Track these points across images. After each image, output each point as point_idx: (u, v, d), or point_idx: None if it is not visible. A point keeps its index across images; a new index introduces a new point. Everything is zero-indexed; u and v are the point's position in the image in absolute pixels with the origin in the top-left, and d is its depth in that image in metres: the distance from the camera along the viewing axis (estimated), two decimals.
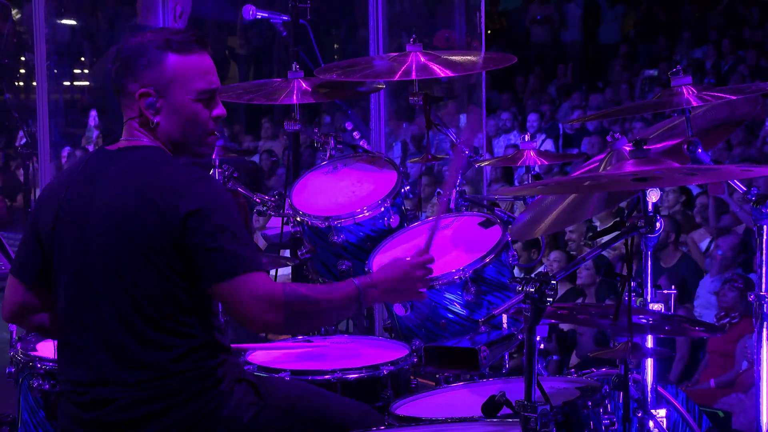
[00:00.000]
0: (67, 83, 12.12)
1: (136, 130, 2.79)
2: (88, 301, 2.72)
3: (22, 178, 7.68)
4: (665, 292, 3.26)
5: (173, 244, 2.64)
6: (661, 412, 3.29)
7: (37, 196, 6.51)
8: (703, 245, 7.75)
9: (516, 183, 10.01)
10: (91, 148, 11.37)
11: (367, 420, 2.96)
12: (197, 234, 2.62)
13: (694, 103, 3.09)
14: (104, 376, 2.71)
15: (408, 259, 2.97)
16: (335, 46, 12.89)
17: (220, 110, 2.83)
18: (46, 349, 3.53)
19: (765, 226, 3.10)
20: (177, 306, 2.69)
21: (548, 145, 11.62)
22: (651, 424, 3.26)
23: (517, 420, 2.44)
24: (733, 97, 3.12)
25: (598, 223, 8.17)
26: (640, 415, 3.25)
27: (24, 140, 7.24)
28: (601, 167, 3.29)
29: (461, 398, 3.16)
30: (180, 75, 2.76)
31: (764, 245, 3.11)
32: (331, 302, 2.77)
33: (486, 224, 3.65)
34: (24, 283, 2.87)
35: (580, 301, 7.03)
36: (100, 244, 2.71)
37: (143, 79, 2.75)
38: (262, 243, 7.49)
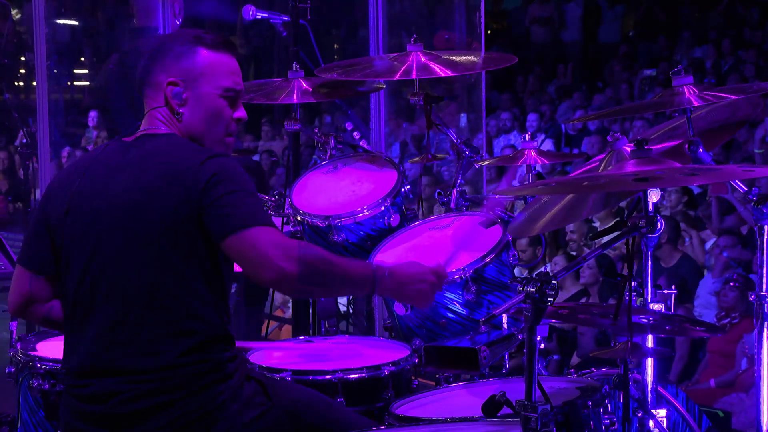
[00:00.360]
0: (67, 83, 12.13)
1: (157, 120, 2.82)
2: (99, 292, 2.72)
3: (21, 178, 7.68)
4: (665, 292, 3.26)
5: (197, 214, 2.65)
6: (662, 412, 3.29)
7: (38, 195, 6.53)
8: (708, 245, 7.74)
9: (514, 183, 10.00)
10: (90, 148, 11.37)
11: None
12: (212, 195, 2.64)
13: (696, 103, 3.08)
14: (109, 367, 2.70)
15: (428, 265, 2.95)
16: (335, 46, 12.90)
17: (241, 113, 2.88)
18: (46, 349, 3.54)
19: (766, 226, 3.10)
20: (195, 291, 2.68)
21: (548, 145, 11.62)
22: (651, 423, 3.26)
23: (518, 420, 2.44)
24: (734, 97, 3.11)
25: (597, 224, 8.18)
26: (640, 414, 3.25)
27: (24, 140, 7.24)
28: (601, 167, 3.29)
29: (461, 398, 3.16)
30: (209, 69, 2.81)
31: (765, 245, 3.11)
32: (345, 271, 2.76)
33: (486, 224, 3.65)
34: (31, 270, 2.88)
35: (583, 300, 7.04)
36: (119, 228, 2.70)
37: (172, 70, 2.79)
38: None
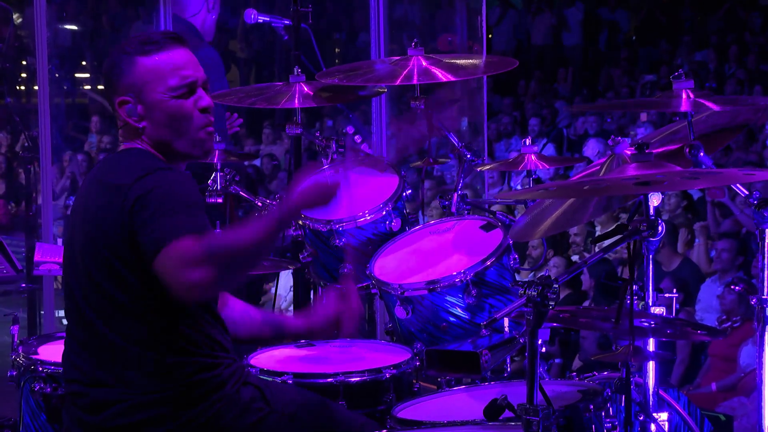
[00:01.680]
0: (67, 87, 12.14)
1: (126, 139, 2.82)
2: (77, 306, 2.73)
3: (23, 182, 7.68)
4: (667, 295, 3.26)
5: (129, 236, 2.61)
6: (663, 416, 3.29)
7: (39, 200, 6.54)
8: (712, 253, 7.75)
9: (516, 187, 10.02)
10: (93, 153, 11.40)
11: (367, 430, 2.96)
12: (137, 221, 2.60)
13: (683, 108, 3.09)
14: (102, 377, 2.70)
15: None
16: (337, 50, 12.91)
17: (205, 101, 2.80)
18: (48, 352, 3.53)
19: (767, 230, 3.10)
20: (156, 305, 2.65)
21: (550, 149, 11.63)
22: (653, 427, 3.26)
23: (519, 424, 2.44)
24: (721, 108, 3.13)
25: (599, 228, 8.17)
26: (641, 418, 3.25)
27: (25, 144, 7.25)
28: (602, 171, 3.30)
29: (463, 402, 3.16)
30: (150, 76, 2.75)
31: (765, 249, 3.11)
32: (254, 234, 2.57)
33: (487, 227, 3.65)
34: None
35: (586, 303, 7.05)
36: (81, 250, 2.72)
37: (120, 89, 2.77)
38: None
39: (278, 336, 3.11)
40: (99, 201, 2.69)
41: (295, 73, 4.30)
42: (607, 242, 2.80)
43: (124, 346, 2.68)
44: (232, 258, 2.54)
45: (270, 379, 3.22)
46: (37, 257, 4.79)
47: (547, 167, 4.45)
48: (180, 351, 2.70)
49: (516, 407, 2.46)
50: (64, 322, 2.88)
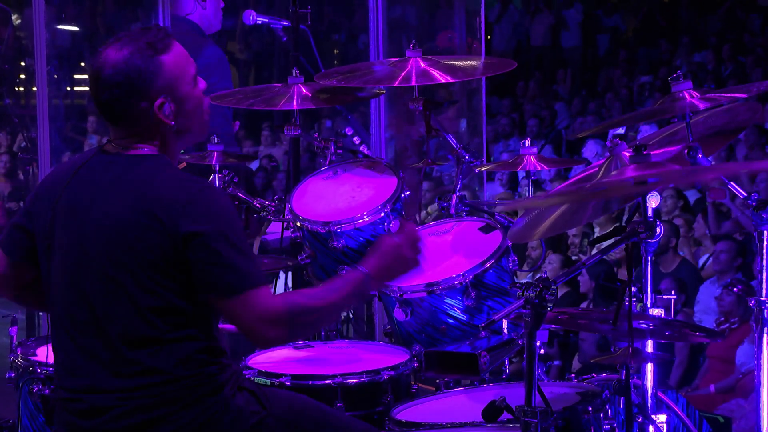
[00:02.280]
0: (67, 88, 12.13)
1: (140, 141, 2.76)
2: (85, 308, 2.70)
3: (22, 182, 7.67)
4: (665, 297, 3.26)
5: (174, 255, 2.62)
6: (662, 418, 3.29)
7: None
8: (701, 261, 7.75)
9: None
10: None
11: None
12: (199, 249, 2.61)
13: (701, 106, 3.08)
14: (100, 383, 2.69)
15: (394, 240, 2.88)
16: (335, 51, 12.91)
17: (202, 83, 2.84)
18: (46, 354, 3.53)
19: (765, 232, 3.10)
20: (178, 312, 2.66)
21: (548, 150, 11.63)
22: (651, 429, 3.26)
23: (518, 425, 2.44)
24: (738, 95, 3.11)
25: (597, 229, 8.18)
26: (640, 420, 3.25)
27: (22, 144, 7.24)
28: (600, 172, 3.29)
29: (461, 403, 3.16)
30: (178, 71, 2.75)
31: (765, 250, 3.11)
32: (334, 305, 2.77)
33: (486, 229, 3.65)
34: (8, 256, 2.86)
35: (584, 305, 7.04)
36: (98, 252, 2.68)
37: (152, 92, 2.72)
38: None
39: None
40: (132, 214, 2.64)
41: (294, 74, 4.30)
42: (605, 244, 2.80)
43: (138, 359, 2.66)
44: (310, 321, 2.75)
45: (268, 381, 3.22)
46: None
47: (546, 168, 4.45)
48: (189, 359, 2.69)
49: (514, 409, 2.46)
50: None
